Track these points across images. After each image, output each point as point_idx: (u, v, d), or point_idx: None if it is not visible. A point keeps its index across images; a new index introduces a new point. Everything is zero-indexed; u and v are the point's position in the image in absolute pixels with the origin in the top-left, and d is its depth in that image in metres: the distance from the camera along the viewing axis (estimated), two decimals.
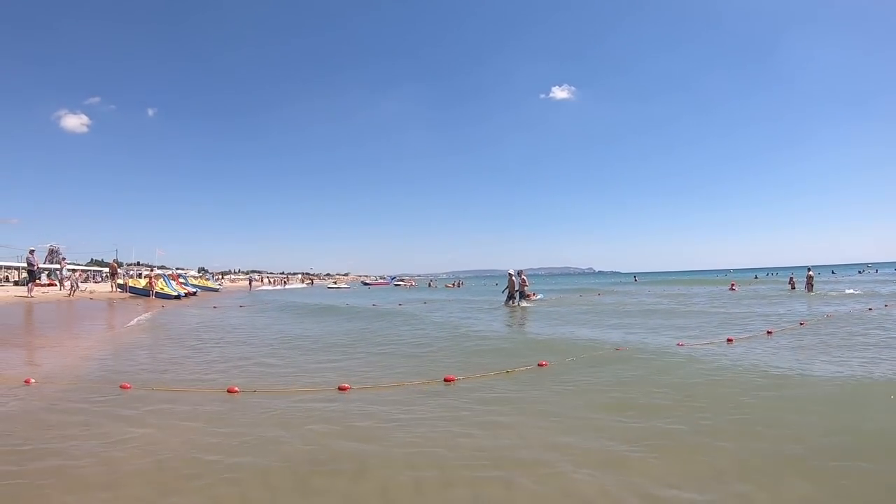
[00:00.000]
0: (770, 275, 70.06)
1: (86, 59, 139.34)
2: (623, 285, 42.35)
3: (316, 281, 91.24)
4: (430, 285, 48.86)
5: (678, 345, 7.74)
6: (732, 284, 30.32)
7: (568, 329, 10.68)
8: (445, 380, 5.51)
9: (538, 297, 22.50)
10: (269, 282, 75.32)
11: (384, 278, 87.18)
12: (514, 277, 18.04)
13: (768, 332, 9.10)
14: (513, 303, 17.81)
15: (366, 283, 71.41)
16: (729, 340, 8.27)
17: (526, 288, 18.31)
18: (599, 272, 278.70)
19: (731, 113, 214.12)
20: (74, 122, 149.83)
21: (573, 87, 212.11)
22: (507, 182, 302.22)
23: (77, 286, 20.28)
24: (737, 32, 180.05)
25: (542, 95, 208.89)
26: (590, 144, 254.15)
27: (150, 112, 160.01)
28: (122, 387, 5.31)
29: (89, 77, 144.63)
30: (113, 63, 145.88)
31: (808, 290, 25.39)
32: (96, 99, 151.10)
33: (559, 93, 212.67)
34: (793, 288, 27.86)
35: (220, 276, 78.74)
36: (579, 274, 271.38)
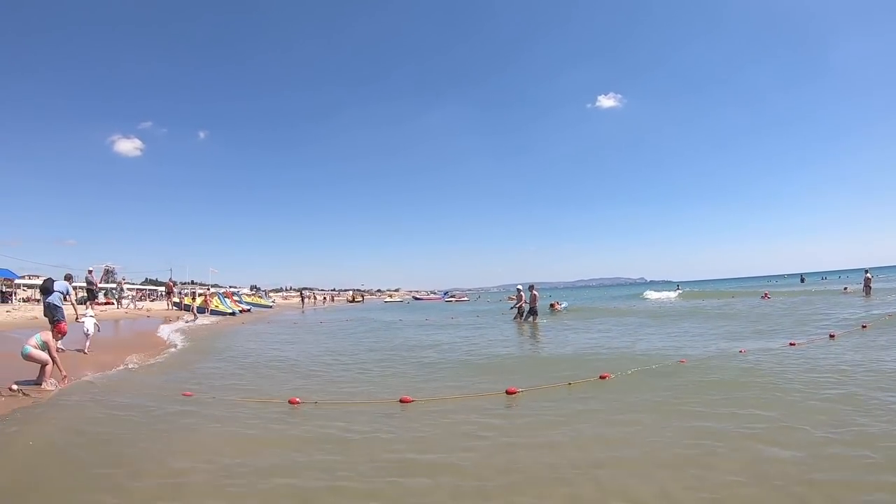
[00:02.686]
0: (824, 278, 66.68)
1: (137, 85, 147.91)
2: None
3: (367, 297, 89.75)
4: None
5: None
6: (766, 294, 28.73)
7: None
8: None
9: (563, 305, 22.65)
10: (316, 300, 63.54)
11: (435, 293, 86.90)
12: (523, 293, 17.79)
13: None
14: (521, 319, 17.44)
15: (417, 298, 72.22)
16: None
17: (537, 304, 17.52)
18: (651, 282, 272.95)
19: (781, 115, 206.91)
20: (128, 146, 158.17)
21: (619, 95, 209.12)
22: (557, 194, 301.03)
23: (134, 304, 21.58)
24: (786, 32, 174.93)
25: (589, 105, 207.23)
26: (638, 153, 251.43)
27: (202, 134, 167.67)
28: (184, 394, 5.70)
29: (141, 102, 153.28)
30: (164, 88, 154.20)
31: (867, 295, 24.13)
32: (148, 123, 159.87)
33: (606, 101, 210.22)
34: (845, 290, 26.51)
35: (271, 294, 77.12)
36: (630, 284, 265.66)
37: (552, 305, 22.30)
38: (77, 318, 9.70)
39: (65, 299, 9.19)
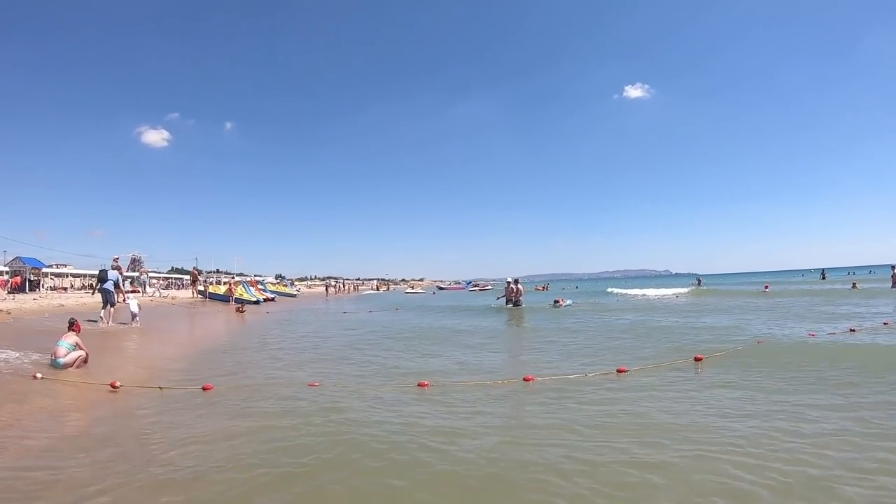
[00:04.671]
0: (851, 273, 64.53)
1: (165, 77, 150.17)
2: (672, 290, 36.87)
3: (392, 286, 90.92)
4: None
5: None
6: (766, 286, 28.38)
7: None
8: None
9: (567, 303, 22.24)
10: (338, 289, 60.18)
11: (458, 283, 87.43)
12: (511, 285, 19.11)
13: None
14: (511, 305, 18.82)
15: (441, 288, 72.58)
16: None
17: (521, 297, 18.96)
18: (676, 274, 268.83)
19: (811, 108, 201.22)
20: (155, 137, 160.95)
21: (647, 86, 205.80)
22: (581, 185, 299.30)
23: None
24: (818, 24, 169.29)
25: (616, 96, 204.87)
26: (665, 145, 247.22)
27: (228, 125, 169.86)
28: (204, 388, 5.72)
29: (169, 94, 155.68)
30: (191, 80, 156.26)
31: None
32: (175, 115, 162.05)
33: (633, 92, 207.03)
34: (854, 287, 25.76)
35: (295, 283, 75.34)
36: (655, 276, 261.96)
37: (556, 301, 22.06)
38: (124, 300, 12.98)
39: (116, 286, 11.80)
